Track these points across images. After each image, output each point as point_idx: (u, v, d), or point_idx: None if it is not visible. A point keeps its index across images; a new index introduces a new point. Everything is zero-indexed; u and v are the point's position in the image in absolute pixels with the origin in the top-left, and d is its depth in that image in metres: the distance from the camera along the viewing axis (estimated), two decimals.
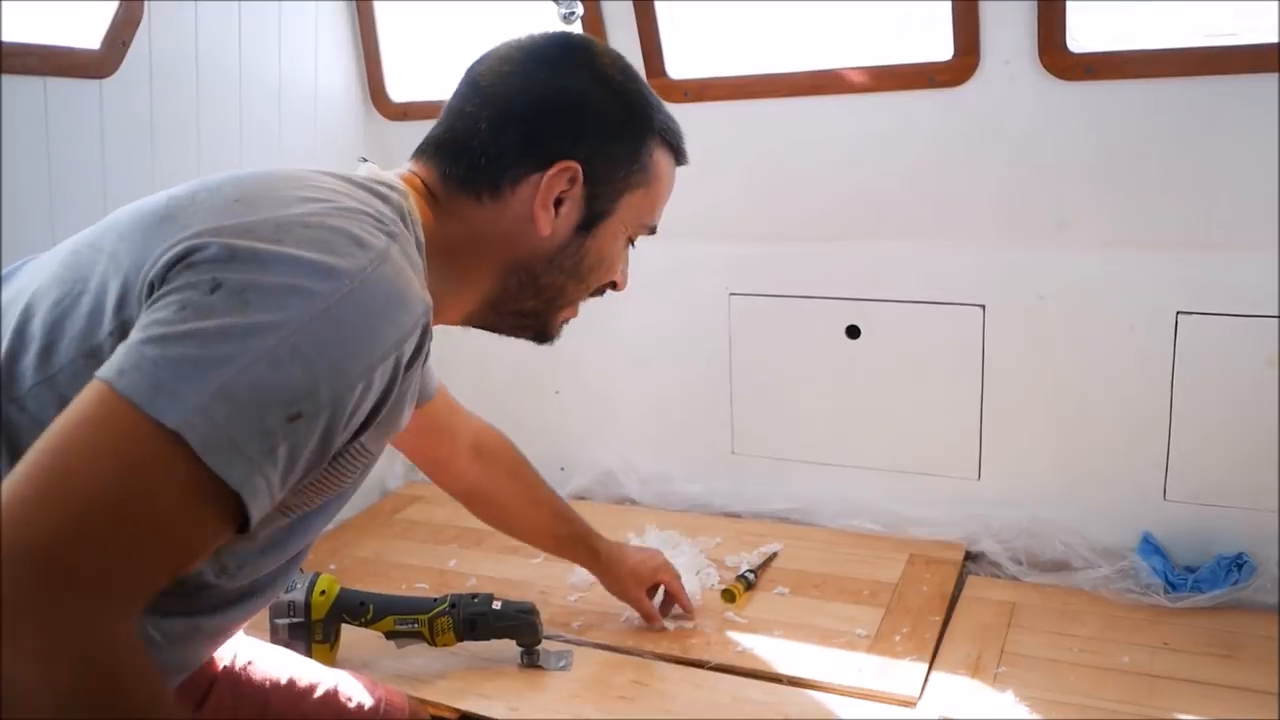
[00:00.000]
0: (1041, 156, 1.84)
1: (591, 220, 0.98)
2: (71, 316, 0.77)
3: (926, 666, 1.53)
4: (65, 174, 1.62)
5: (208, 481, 0.65)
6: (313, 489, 0.84)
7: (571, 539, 1.57)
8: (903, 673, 1.51)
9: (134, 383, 0.65)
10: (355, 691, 1.22)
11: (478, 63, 0.98)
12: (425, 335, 0.78)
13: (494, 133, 0.94)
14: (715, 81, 2.04)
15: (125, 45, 1.70)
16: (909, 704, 1.44)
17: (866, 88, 1.92)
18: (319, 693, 1.18)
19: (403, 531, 2.13)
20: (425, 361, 0.83)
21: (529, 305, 1.02)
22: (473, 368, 2.37)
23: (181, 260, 0.72)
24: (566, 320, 1.07)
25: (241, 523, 0.69)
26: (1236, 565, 1.71)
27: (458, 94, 0.98)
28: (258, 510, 0.69)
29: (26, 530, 0.61)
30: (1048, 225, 1.86)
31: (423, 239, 0.89)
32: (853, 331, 2.05)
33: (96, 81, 1.67)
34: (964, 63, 1.82)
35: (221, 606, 0.89)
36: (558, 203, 0.95)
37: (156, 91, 1.78)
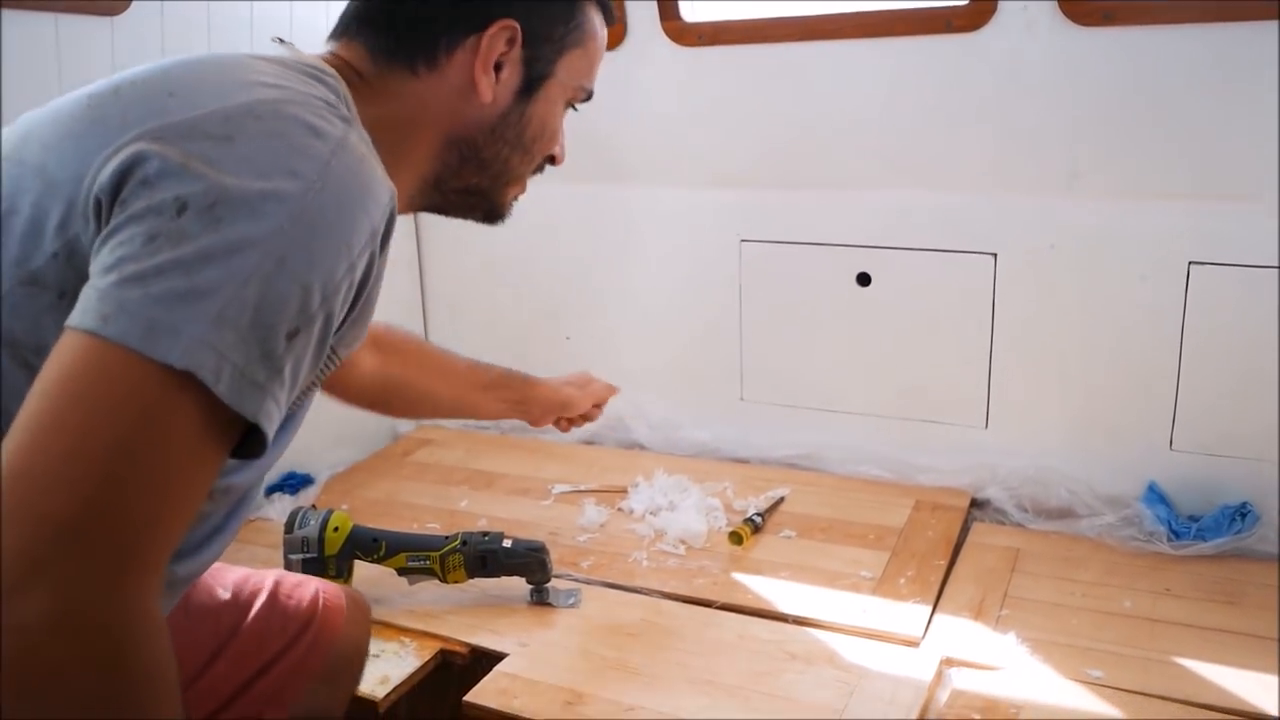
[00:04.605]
0: (1057, 104, 1.82)
1: (532, 84, 0.94)
2: (1, 241, 0.71)
3: (930, 609, 1.55)
4: None
5: (220, 415, 0.63)
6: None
7: (499, 380, 1.50)
8: (907, 614, 1.53)
9: (125, 328, 0.60)
10: (294, 590, 1.17)
11: None
12: (392, 220, 0.75)
13: None
14: (729, 25, 2.02)
15: None
16: (912, 644, 1.46)
17: (882, 31, 1.90)
18: (262, 598, 1.13)
19: (414, 473, 2.15)
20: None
21: (473, 182, 0.97)
22: (484, 314, 2.38)
23: (129, 174, 0.66)
24: (515, 197, 1.02)
25: (245, 447, 0.67)
26: (1240, 514, 1.72)
27: None
28: (271, 434, 0.66)
29: (44, 499, 0.57)
30: (1062, 173, 1.85)
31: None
32: (863, 279, 2.04)
33: (108, 19, 1.66)
34: (981, 7, 1.80)
35: (195, 546, 0.85)
36: (498, 67, 0.91)
37: (168, 29, 1.77)
